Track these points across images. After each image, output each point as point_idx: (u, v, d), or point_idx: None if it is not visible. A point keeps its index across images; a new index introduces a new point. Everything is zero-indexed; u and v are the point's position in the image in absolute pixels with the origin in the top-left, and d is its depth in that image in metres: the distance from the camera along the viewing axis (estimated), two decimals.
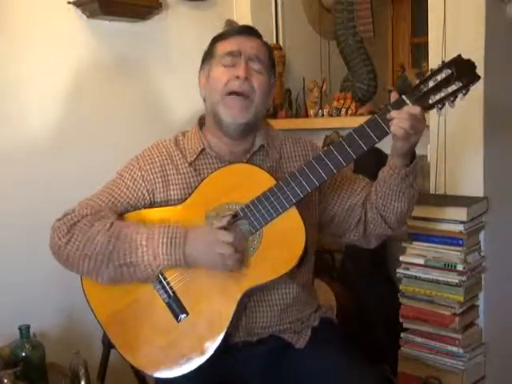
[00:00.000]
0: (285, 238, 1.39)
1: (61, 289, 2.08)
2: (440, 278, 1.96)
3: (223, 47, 1.49)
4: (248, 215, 1.39)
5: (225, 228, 1.36)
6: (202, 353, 1.37)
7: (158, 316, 1.41)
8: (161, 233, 1.37)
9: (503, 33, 2.04)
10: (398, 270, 2.05)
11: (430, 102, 1.33)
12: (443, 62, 1.33)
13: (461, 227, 1.92)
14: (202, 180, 1.44)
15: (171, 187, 1.49)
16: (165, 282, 1.41)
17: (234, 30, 1.53)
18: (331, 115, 2.56)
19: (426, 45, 2.08)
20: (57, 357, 1.98)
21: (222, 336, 1.37)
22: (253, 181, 1.41)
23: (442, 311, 1.96)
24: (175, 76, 2.46)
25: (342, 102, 2.57)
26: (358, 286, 2.33)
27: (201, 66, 1.56)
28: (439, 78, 1.32)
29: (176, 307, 1.40)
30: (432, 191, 2.11)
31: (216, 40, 1.53)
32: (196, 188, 1.44)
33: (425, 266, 1.99)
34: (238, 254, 1.35)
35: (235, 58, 1.46)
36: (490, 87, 1.95)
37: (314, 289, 1.69)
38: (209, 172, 1.47)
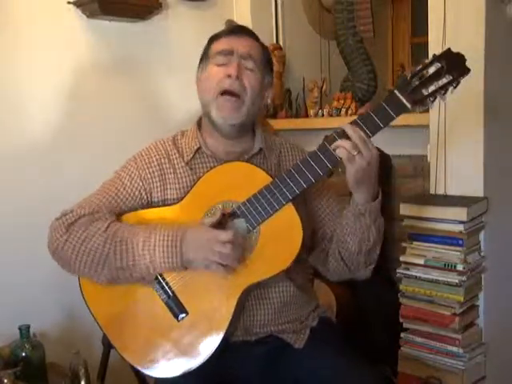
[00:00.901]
0: (282, 235, 1.39)
1: (61, 289, 2.08)
2: (440, 278, 1.96)
3: (216, 47, 1.49)
4: (245, 213, 1.39)
5: (222, 227, 1.36)
6: (203, 352, 1.37)
7: (157, 316, 1.41)
8: (157, 236, 1.36)
9: (503, 33, 2.04)
10: (397, 270, 2.05)
11: (422, 95, 1.33)
12: (434, 55, 1.33)
13: (461, 227, 1.92)
14: (198, 179, 1.44)
15: (168, 187, 1.49)
16: (163, 282, 1.40)
17: (227, 30, 1.53)
18: (331, 115, 2.57)
19: (425, 45, 2.08)
20: (57, 357, 1.99)
21: (222, 335, 1.37)
22: (249, 179, 1.41)
23: (441, 311, 1.96)
24: (175, 76, 2.46)
25: (342, 102, 2.57)
26: (357, 286, 2.33)
27: (198, 67, 1.56)
28: (430, 71, 1.32)
29: (175, 307, 1.40)
30: (432, 191, 2.11)
31: (211, 40, 1.53)
32: (192, 187, 1.44)
33: (425, 266, 1.99)
34: (237, 252, 1.35)
35: (227, 57, 1.46)
36: (490, 87, 1.95)
37: (312, 288, 1.69)
38: (204, 171, 1.47)
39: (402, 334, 2.06)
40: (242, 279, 1.38)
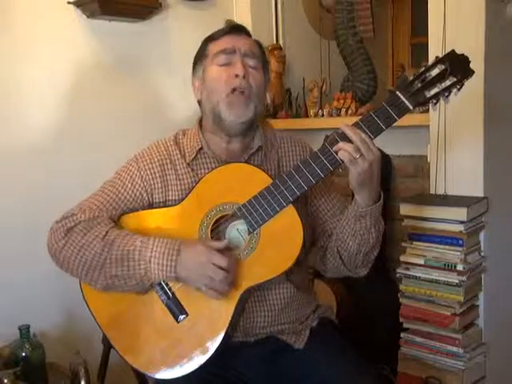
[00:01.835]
0: (282, 237, 1.38)
1: (61, 289, 2.08)
2: (440, 278, 1.96)
3: (216, 47, 1.48)
4: (245, 214, 1.38)
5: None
6: (202, 353, 1.37)
7: (157, 317, 1.41)
8: (155, 247, 1.35)
9: (503, 33, 2.04)
10: (397, 270, 2.05)
11: (425, 97, 1.32)
12: (437, 57, 1.33)
13: (461, 227, 1.93)
14: (199, 180, 1.44)
15: (169, 187, 1.48)
16: (164, 284, 1.40)
17: (225, 30, 1.52)
18: (331, 115, 2.56)
19: (426, 45, 2.08)
20: (57, 357, 1.98)
21: (222, 336, 1.37)
22: (249, 180, 1.40)
23: (441, 311, 1.96)
24: (175, 76, 2.46)
25: (342, 101, 2.57)
26: (357, 286, 2.33)
27: (193, 70, 1.55)
28: (433, 73, 1.32)
29: (175, 308, 1.40)
30: (432, 191, 2.11)
31: (207, 41, 1.52)
32: (193, 188, 1.44)
33: (425, 266, 1.99)
34: (228, 279, 1.34)
35: (230, 56, 1.46)
36: (490, 87, 1.95)
37: (312, 288, 1.68)
38: (205, 172, 1.46)
39: (402, 334, 2.06)
40: (242, 281, 1.38)
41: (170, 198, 1.48)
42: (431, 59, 1.99)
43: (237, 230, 1.41)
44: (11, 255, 2.06)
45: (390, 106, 1.32)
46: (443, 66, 1.31)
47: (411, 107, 1.32)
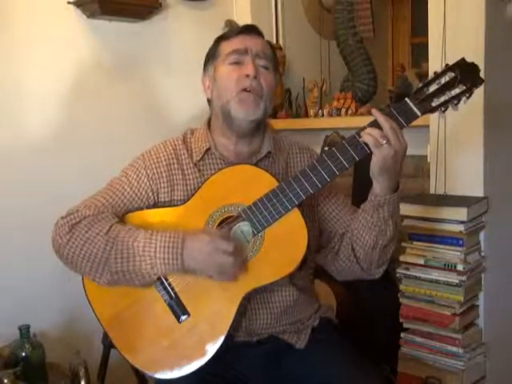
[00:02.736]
0: (287, 240, 1.38)
1: (61, 289, 2.08)
2: (440, 278, 1.96)
3: (228, 46, 1.48)
4: (250, 217, 1.38)
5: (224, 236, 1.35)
6: (204, 353, 1.37)
7: (159, 317, 1.40)
8: (158, 241, 1.35)
9: (503, 33, 2.04)
10: (397, 270, 2.05)
11: (433, 104, 1.32)
12: (447, 65, 1.32)
13: (461, 227, 1.92)
14: (205, 181, 1.43)
15: (175, 187, 1.48)
16: (166, 283, 1.40)
17: (238, 30, 1.52)
18: (331, 115, 2.56)
19: (426, 45, 2.08)
20: (57, 357, 1.99)
21: (223, 337, 1.37)
22: (255, 182, 1.39)
23: (442, 311, 1.96)
24: (175, 76, 2.46)
25: (342, 101, 2.57)
26: (357, 285, 2.33)
27: (204, 68, 1.55)
28: (443, 81, 1.31)
29: (177, 308, 1.40)
30: (432, 191, 2.11)
31: (219, 40, 1.52)
32: (199, 188, 1.43)
33: (425, 266, 1.99)
34: (238, 263, 1.35)
35: (242, 56, 1.46)
36: (490, 87, 1.95)
37: (314, 289, 1.68)
38: (212, 173, 1.46)
39: (402, 334, 2.06)
40: (245, 283, 1.37)
41: (176, 197, 1.47)
42: (431, 59, 2.02)
43: (241, 232, 1.40)
44: (11, 255, 2.06)
45: (398, 113, 1.33)
46: (453, 74, 1.31)
47: (419, 114, 1.33)
